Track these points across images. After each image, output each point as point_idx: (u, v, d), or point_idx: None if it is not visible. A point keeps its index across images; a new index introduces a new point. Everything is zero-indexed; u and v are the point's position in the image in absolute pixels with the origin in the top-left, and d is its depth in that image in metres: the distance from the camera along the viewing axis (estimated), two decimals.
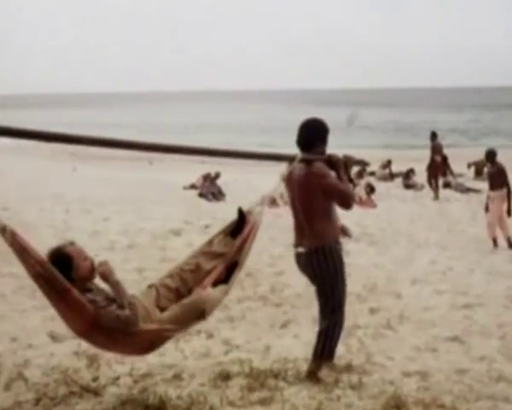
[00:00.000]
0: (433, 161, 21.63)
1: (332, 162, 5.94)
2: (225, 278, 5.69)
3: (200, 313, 5.38)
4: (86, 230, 13.23)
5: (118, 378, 6.01)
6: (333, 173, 5.94)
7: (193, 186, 21.66)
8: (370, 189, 20.34)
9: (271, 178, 21.20)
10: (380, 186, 22.69)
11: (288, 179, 6.07)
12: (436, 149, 21.79)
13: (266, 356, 6.78)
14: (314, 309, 8.51)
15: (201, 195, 20.07)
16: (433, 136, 22.03)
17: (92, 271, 5.14)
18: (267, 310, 8.53)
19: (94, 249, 11.34)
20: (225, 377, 6.08)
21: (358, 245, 12.63)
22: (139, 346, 5.26)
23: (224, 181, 21.48)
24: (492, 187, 13.64)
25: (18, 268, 9.77)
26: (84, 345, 6.82)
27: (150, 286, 5.69)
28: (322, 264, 5.86)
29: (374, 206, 18.97)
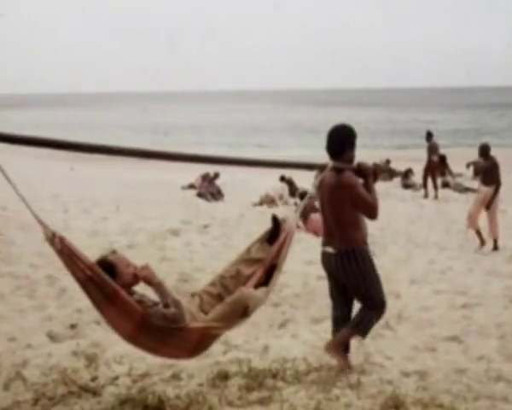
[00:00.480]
0: (429, 161, 21.60)
1: (361, 171, 6.11)
2: (265, 281, 5.79)
3: (243, 311, 5.46)
4: (85, 230, 13.22)
5: (116, 378, 6.01)
6: (361, 181, 6.09)
7: (191, 186, 21.67)
8: None
9: (270, 179, 21.24)
10: (378, 186, 22.69)
11: (319, 187, 6.22)
12: (432, 148, 21.76)
13: (265, 356, 6.78)
14: (312, 309, 8.55)
15: (200, 194, 20.07)
16: (429, 136, 22.00)
17: (135, 277, 5.23)
18: (265, 310, 8.51)
19: (92, 249, 11.35)
20: (224, 376, 6.09)
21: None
22: (187, 347, 5.35)
23: (222, 181, 21.48)
24: (485, 182, 13.43)
25: (16, 268, 9.83)
26: (83, 345, 6.85)
27: (193, 294, 5.83)
28: (353, 265, 6.04)
29: None
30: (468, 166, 26.54)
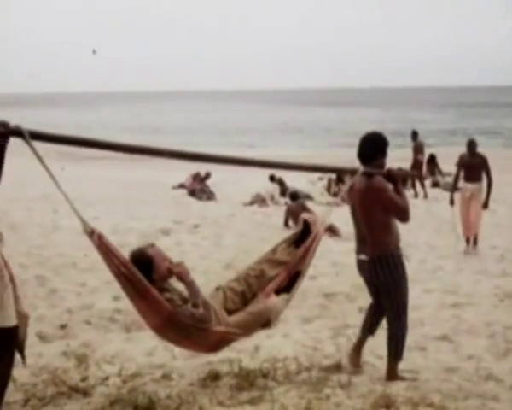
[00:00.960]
0: (415, 160, 21.57)
1: (390, 176, 6.20)
2: (287, 286, 5.91)
3: (265, 321, 5.73)
4: (75, 229, 13.15)
5: (107, 378, 5.99)
6: (390, 186, 6.18)
7: (182, 186, 21.64)
8: None
9: (260, 178, 21.24)
10: None
11: (350, 191, 6.28)
12: (418, 148, 21.75)
13: (255, 356, 6.78)
14: (303, 309, 8.56)
15: (192, 193, 20.04)
16: (414, 135, 22.01)
17: (170, 271, 5.43)
18: None
19: (83, 249, 11.34)
20: (214, 376, 6.09)
21: (348, 244, 12.59)
22: (207, 344, 5.56)
23: (212, 181, 21.45)
24: (470, 179, 13.00)
25: None
26: (73, 345, 6.84)
27: (218, 288, 5.96)
28: (386, 271, 6.11)
29: None
30: (457, 165, 26.62)
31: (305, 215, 15.01)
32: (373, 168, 6.16)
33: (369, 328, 6.63)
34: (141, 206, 16.78)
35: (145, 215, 15.24)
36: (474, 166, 12.97)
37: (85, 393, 5.65)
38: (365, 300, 9.08)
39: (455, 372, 6.55)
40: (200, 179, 21.28)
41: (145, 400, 5.44)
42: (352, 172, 6.18)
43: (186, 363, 6.54)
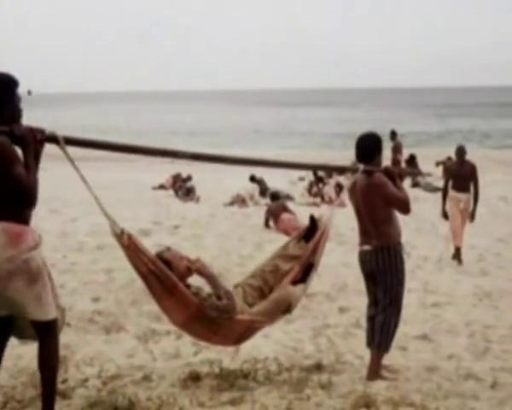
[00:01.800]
0: (394, 160, 21.63)
1: (388, 173, 6.51)
2: (302, 277, 6.11)
3: (286, 307, 5.91)
4: (54, 230, 13.13)
5: (86, 380, 5.95)
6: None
7: (162, 186, 21.59)
8: (339, 188, 20.38)
9: (241, 179, 21.21)
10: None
11: (352, 189, 6.60)
12: (396, 148, 21.82)
13: (236, 356, 6.76)
14: None
15: (176, 193, 19.98)
16: (393, 135, 22.09)
17: (189, 269, 5.66)
18: None
19: (62, 250, 11.30)
20: (195, 377, 6.07)
21: (328, 244, 12.56)
22: (233, 336, 5.79)
23: (193, 181, 21.40)
24: (459, 188, 12.32)
25: None
26: None
27: (236, 286, 6.13)
28: (386, 261, 6.39)
29: (343, 205, 19.02)
30: (437, 164, 26.76)
31: (285, 216, 15.10)
32: (372, 166, 6.46)
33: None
34: (121, 207, 16.67)
35: (125, 216, 15.12)
36: (463, 174, 12.34)
37: (65, 395, 5.59)
38: (345, 300, 9.14)
39: (435, 372, 6.58)
40: (180, 180, 21.24)
41: (125, 401, 5.41)
42: (353, 170, 6.58)
43: (166, 364, 6.52)
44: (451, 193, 12.46)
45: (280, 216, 14.97)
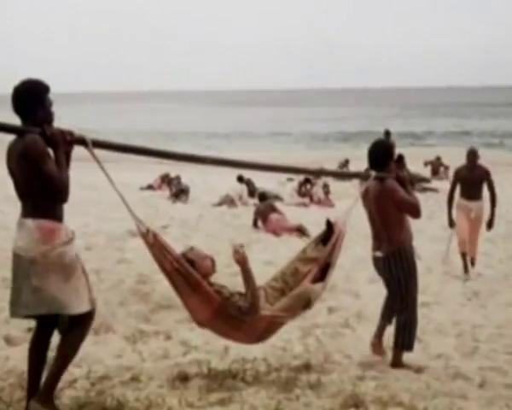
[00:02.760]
0: None
1: (399, 179, 6.76)
2: (320, 277, 6.38)
3: (307, 302, 6.14)
4: None
5: (75, 381, 5.93)
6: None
7: (150, 187, 21.56)
8: (326, 188, 20.42)
9: (228, 179, 21.16)
10: (337, 186, 22.79)
11: (365, 194, 6.78)
12: None
13: (225, 357, 6.76)
14: None
15: (171, 190, 19.93)
16: (387, 135, 22.17)
17: (213, 267, 5.98)
18: None
19: None
20: (183, 378, 6.06)
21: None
22: (256, 333, 5.95)
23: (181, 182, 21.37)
24: (470, 196, 11.24)
25: None
26: None
27: (259, 288, 6.17)
28: (398, 265, 6.60)
29: (331, 205, 19.07)
30: (425, 164, 26.84)
31: (273, 216, 15.09)
32: (384, 173, 6.71)
33: (387, 317, 7.05)
34: (108, 207, 16.65)
35: (113, 217, 15.10)
36: (475, 180, 11.23)
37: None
38: (334, 300, 9.14)
39: (423, 371, 6.59)
40: (168, 181, 21.21)
41: (114, 402, 5.40)
42: (366, 177, 6.82)
43: (155, 365, 6.50)
44: (460, 201, 11.40)
45: (268, 216, 14.98)
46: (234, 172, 20.25)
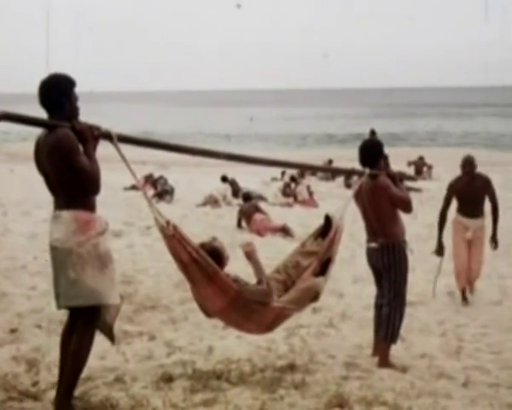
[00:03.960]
0: None
1: (390, 176, 7.02)
2: (321, 271, 6.58)
3: (314, 295, 6.39)
4: (25, 232, 13.01)
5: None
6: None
7: (134, 187, 21.50)
8: (309, 191, 20.41)
9: (212, 179, 21.09)
10: (321, 186, 22.82)
11: (358, 192, 6.99)
12: None
13: (209, 357, 6.75)
14: None
15: (157, 195, 19.86)
16: (372, 134, 22.22)
17: (227, 259, 6.12)
18: None
19: (33, 252, 11.19)
20: (168, 379, 6.04)
21: (299, 243, 12.65)
22: (266, 323, 6.10)
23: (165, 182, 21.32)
24: (468, 212, 9.56)
25: None
26: (23, 350, 6.72)
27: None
28: (391, 257, 6.85)
29: (315, 206, 19.09)
30: (409, 164, 26.94)
31: (257, 216, 15.08)
32: (376, 170, 6.95)
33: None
34: None
35: None
36: (474, 193, 9.50)
37: (36, 398, 5.55)
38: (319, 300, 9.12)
39: (408, 371, 6.60)
40: (152, 181, 21.15)
41: (97, 403, 5.38)
42: (360, 174, 7.00)
43: (139, 366, 6.48)
44: (457, 218, 9.76)
45: (252, 216, 14.98)
46: (218, 173, 20.23)
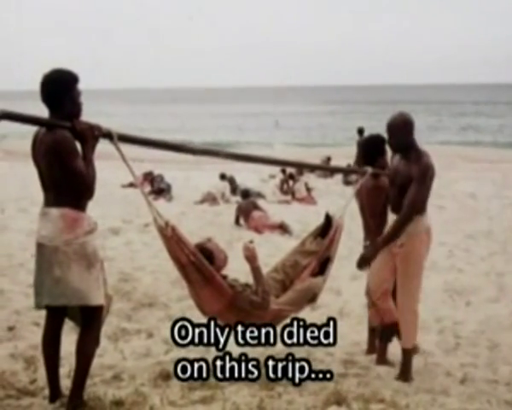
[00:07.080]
0: (359, 156, 21.70)
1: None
2: (319, 271, 6.59)
3: (312, 297, 6.41)
4: (23, 229, 12.99)
5: None
6: None
7: (131, 184, 21.47)
8: (307, 188, 20.37)
9: (210, 177, 21.12)
10: (319, 183, 22.80)
11: (358, 190, 6.98)
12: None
13: (206, 355, 6.74)
14: None
15: (155, 193, 19.83)
16: (360, 132, 22.19)
17: (226, 261, 6.16)
18: None
19: (31, 249, 11.15)
20: (166, 376, 6.05)
21: (298, 242, 12.61)
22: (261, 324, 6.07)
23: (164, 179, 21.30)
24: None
25: None
26: (21, 347, 6.72)
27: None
28: None
29: (313, 203, 19.07)
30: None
31: (255, 213, 15.08)
32: (376, 168, 6.90)
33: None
34: (90, 205, 16.55)
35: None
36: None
37: (34, 395, 5.56)
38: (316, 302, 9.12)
39: None
40: (150, 179, 21.12)
41: (95, 401, 5.37)
42: (362, 173, 6.95)
43: (137, 363, 6.48)
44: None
45: (250, 214, 14.97)
46: (216, 170, 20.21)
